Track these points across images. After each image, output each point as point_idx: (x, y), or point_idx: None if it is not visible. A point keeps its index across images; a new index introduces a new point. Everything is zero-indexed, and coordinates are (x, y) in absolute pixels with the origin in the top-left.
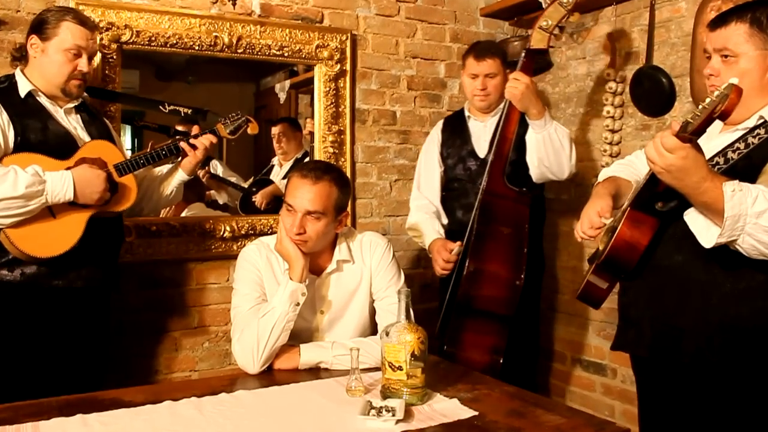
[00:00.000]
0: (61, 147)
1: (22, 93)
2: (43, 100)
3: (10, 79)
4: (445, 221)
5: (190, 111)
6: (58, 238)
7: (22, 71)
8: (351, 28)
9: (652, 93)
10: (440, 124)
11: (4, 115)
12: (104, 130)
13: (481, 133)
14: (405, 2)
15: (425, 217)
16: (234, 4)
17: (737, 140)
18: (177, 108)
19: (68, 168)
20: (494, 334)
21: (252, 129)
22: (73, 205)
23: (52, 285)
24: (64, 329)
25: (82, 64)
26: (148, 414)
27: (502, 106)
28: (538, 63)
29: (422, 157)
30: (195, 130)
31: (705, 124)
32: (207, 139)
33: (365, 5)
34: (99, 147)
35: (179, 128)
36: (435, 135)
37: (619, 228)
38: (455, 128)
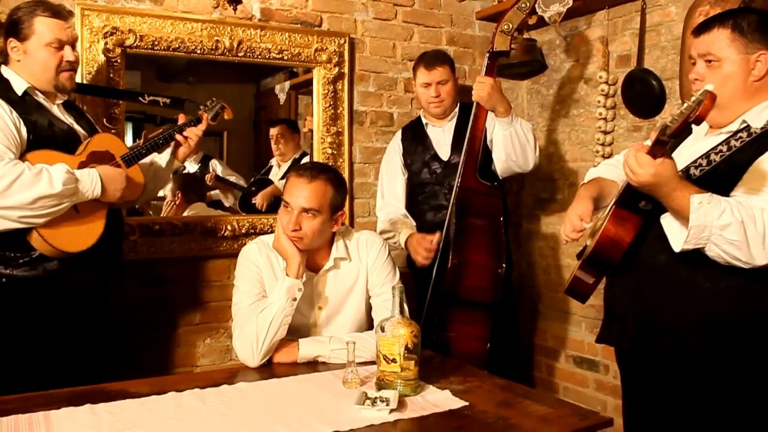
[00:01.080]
0: (67, 142)
1: (19, 91)
2: (39, 97)
3: (0, 77)
4: (414, 224)
5: (168, 101)
6: (85, 232)
7: (8, 68)
8: (349, 31)
9: (643, 95)
10: (399, 134)
11: (14, 113)
12: (92, 125)
13: (441, 137)
14: (402, 6)
15: (396, 217)
16: (235, 9)
17: (720, 143)
18: (156, 98)
19: (81, 162)
20: (481, 323)
21: (228, 114)
22: (95, 200)
23: (72, 278)
24: (77, 320)
25: (68, 54)
26: (153, 404)
27: (457, 109)
28: (533, 65)
29: (384, 167)
30: (181, 118)
31: (682, 127)
32: (198, 130)
33: (363, 9)
34: (106, 140)
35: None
36: (395, 145)
37: (604, 225)
38: (415, 136)
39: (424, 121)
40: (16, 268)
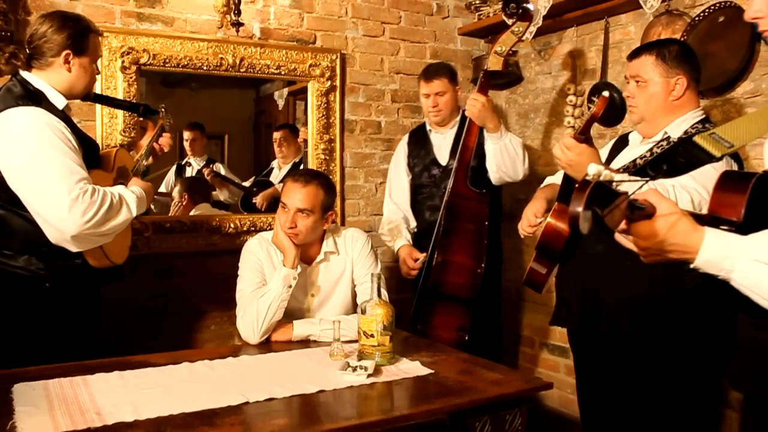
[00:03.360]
0: (93, 153)
1: (60, 106)
2: (67, 111)
3: (37, 91)
4: (415, 223)
5: (142, 106)
6: (124, 244)
7: (38, 79)
8: (341, 48)
9: (607, 106)
10: (406, 137)
11: (68, 131)
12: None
13: (442, 143)
14: (389, 24)
15: (395, 224)
16: (237, 30)
17: (646, 151)
18: (122, 104)
19: (114, 178)
20: (460, 315)
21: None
22: None
23: (107, 282)
24: (94, 311)
25: (98, 67)
26: (170, 371)
27: (458, 118)
28: (508, 77)
29: (392, 167)
30: (150, 128)
31: (587, 124)
32: (166, 141)
33: (353, 27)
34: (123, 155)
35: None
36: (402, 148)
37: (547, 219)
38: (419, 140)
39: (428, 127)
40: (62, 276)
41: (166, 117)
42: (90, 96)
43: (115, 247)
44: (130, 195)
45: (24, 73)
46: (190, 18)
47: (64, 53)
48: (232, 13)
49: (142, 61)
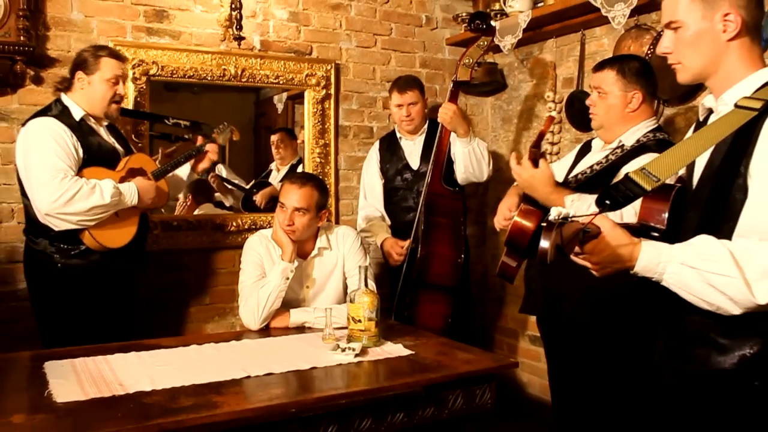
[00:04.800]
0: (110, 159)
1: (77, 117)
2: (91, 122)
3: (62, 105)
4: (389, 223)
5: (189, 123)
6: (123, 232)
7: (67, 96)
8: (335, 58)
9: (583, 113)
10: (377, 144)
11: (74, 137)
12: (126, 142)
13: (412, 149)
14: (381, 35)
15: (374, 220)
16: (239, 43)
17: (603, 157)
18: (178, 121)
19: (122, 177)
20: (443, 302)
21: (235, 135)
22: (131, 207)
23: (113, 267)
24: (113, 297)
25: (120, 89)
26: (180, 352)
27: (426, 126)
28: (495, 85)
29: (365, 173)
30: (200, 140)
31: (538, 139)
32: (214, 147)
33: (347, 39)
34: (140, 159)
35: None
36: (374, 154)
37: (514, 218)
38: (390, 147)
39: (398, 135)
40: (69, 258)
41: (221, 132)
42: (125, 112)
43: (106, 232)
44: (108, 186)
45: (62, 95)
46: (195, 32)
47: (77, 73)
48: (234, 27)
49: (151, 72)
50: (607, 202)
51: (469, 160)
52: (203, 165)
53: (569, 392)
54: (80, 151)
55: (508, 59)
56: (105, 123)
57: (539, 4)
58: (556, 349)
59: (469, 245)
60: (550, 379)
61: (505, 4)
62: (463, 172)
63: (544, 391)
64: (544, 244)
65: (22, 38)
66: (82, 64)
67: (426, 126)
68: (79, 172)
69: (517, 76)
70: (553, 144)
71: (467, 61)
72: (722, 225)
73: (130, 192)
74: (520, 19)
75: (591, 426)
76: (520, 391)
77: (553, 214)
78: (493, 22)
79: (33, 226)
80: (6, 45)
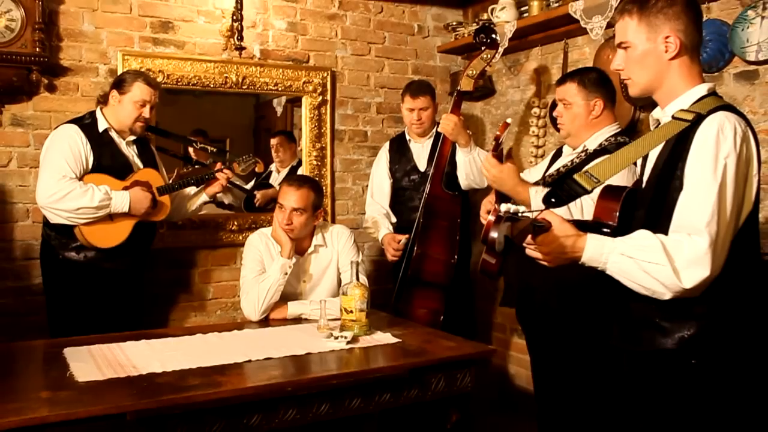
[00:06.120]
0: (122, 170)
1: (101, 128)
2: (113, 134)
3: (93, 116)
4: (394, 220)
5: (215, 150)
6: (112, 235)
7: (101, 111)
8: (331, 66)
9: None
10: (387, 145)
11: (88, 146)
12: (151, 157)
13: (420, 152)
14: (375, 44)
15: (378, 216)
16: (240, 52)
17: (569, 160)
18: (205, 146)
19: (125, 187)
20: (435, 300)
21: (259, 168)
22: (126, 214)
23: (104, 267)
24: (110, 297)
25: (146, 112)
26: (186, 340)
27: (434, 130)
28: (484, 90)
29: (374, 171)
30: (218, 166)
31: (496, 143)
32: (226, 175)
33: (342, 47)
34: (147, 173)
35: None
36: (384, 154)
37: (488, 218)
38: (399, 149)
39: (407, 137)
40: (67, 251)
41: (243, 162)
42: (154, 130)
43: (96, 232)
44: (99, 192)
45: (99, 108)
46: (198, 42)
47: (112, 91)
48: (235, 37)
49: (158, 80)
50: (553, 200)
51: (470, 169)
52: (212, 189)
53: (548, 379)
54: (91, 158)
55: (496, 66)
56: (130, 137)
57: (524, 15)
58: (534, 339)
59: (470, 245)
60: (532, 367)
61: (492, 14)
62: (465, 179)
63: (531, 383)
64: (493, 234)
65: (37, 49)
66: (119, 84)
67: (434, 130)
68: (82, 177)
69: (505, 82)
70: (538, 147)
71: (471, 72)
72: (663, 221)
73: (122, 200)
74: (506, 29)
75: (570, 410)
76: (508, 383)
77: (503, 208)
78: (497, 37)
79: (45, 218)
80: (23, 56)
